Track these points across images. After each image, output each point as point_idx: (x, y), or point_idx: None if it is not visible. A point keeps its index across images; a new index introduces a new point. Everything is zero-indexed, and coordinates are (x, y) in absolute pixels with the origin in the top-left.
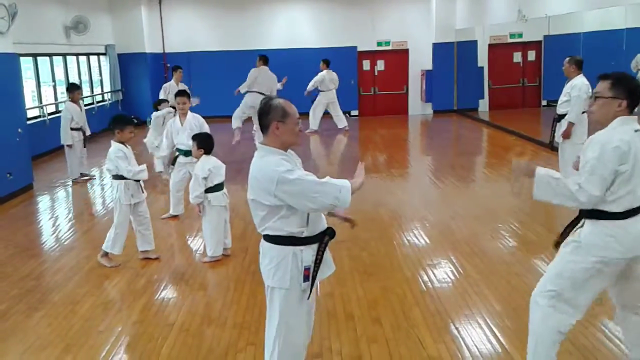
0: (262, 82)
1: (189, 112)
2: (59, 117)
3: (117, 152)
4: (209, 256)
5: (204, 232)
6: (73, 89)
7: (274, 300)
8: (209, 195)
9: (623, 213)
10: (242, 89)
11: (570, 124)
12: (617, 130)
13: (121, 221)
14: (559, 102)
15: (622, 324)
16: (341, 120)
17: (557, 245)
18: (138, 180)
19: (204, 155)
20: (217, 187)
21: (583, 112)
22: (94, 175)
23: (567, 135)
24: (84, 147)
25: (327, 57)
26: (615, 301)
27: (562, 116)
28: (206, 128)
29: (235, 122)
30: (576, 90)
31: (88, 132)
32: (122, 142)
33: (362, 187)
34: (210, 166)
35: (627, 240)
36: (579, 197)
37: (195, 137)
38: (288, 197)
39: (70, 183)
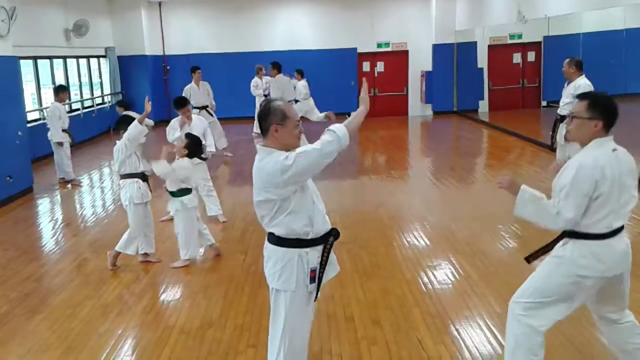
0: (285, 89)
1: (194, 116)
2: None
3: (121, 144)
4: (182, 260)
5: (179, 235)
6: (62, 90)
7: (279, 303)
8: (184, 198)
9: (605, 234)
10: None
11: None
12: (593, 153)
13: (137, 221)
14: (562, 103)
15: (605, 334)
16: (317, 116)
17: (529, 261)
18: (146, 180)
19: (186, 157)
20: (188, 190)
21: None
22: (81, 181)
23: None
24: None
25: (327, 59)
26: (594, 314)
27: (565, 117)
28: (208, 130)
29: None
30: (582, 90)
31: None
32: None
33: (366, 110)
34: (187, 173)
35: (609, 259)
36: (557, 221)
37: (187, 136)
38: (298, 177)
39: (59, 185)
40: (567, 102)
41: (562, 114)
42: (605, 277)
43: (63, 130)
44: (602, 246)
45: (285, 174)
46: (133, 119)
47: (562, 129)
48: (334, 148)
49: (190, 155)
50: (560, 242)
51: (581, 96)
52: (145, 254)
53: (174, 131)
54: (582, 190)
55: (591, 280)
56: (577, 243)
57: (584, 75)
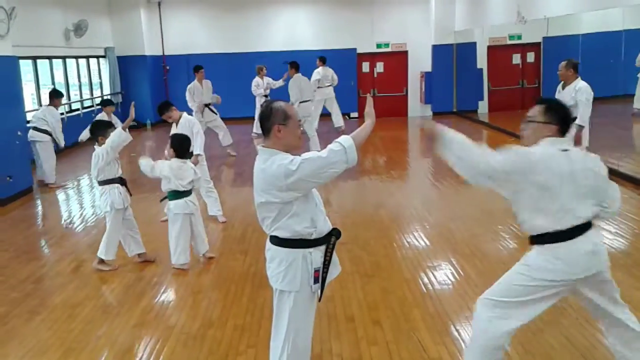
0: (304, 88)
1: (184, 116)
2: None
3: (101, 151)
4: (172, 263)
5: (169, 239)
6: (58, 96)
7: (282, 304)
8: (170, 202)
9: (566, 232)
10: (295, 103)
11: (581, 128)
12: (539, 147)
13: (116, 227)
14: None
15: (609, 338)
16: (339, 120)
17: None
18: (124, 184)
19: (174, 159)
20: (181, 194)
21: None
22: (64, 184)
23: (579, 140)
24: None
25: (327, 59)
26: (594, 317)
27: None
28: (196, 131)
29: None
30: (583, 93)
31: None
32: None
33: (373, 124)
34: (171, 174)
35: (573, 261)
36: (479, 162)
37: (172, 137)
38: (302, 183)
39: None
40: (570, 105)
41: None
42: (574, 279)
43: (48, 133)
44: (566, 248)
45: (289, 179)
46: (108, 123)
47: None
48: (340, 158)
49: (179, 155)
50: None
51: (538, 100)
52: (140, 255)
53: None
54: (513, 159)
55: (561, 284)
56: (541, 248)
57: (580, 78)
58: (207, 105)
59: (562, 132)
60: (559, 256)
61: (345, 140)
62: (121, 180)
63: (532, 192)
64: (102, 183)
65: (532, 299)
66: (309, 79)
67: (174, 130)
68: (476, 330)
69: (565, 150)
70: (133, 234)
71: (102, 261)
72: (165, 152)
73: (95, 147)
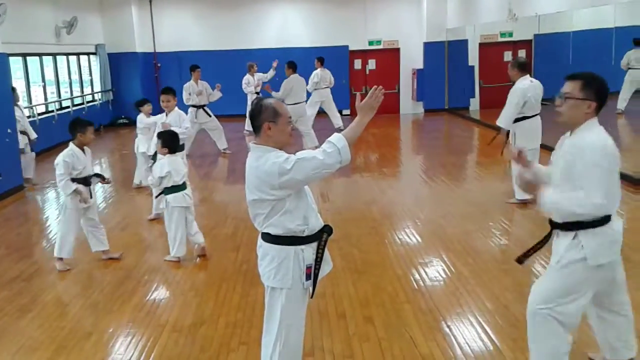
0: (298, 89)
1: (175, 109)
2: (49, 117)
3: (65, 157)
4: (171, 255)
5: (167, 232)
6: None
7: (274, 301)
8: (168, 196)
9: (609, 215)
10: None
11: (502, 130)
12: (599, 131)
13: (66, 225)
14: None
15: (599, 330)
16: (337, 120)
17: (520, 261)
18: (88, 185)
19: (168, 155)
20: (177, 188)
21: (528, 117)
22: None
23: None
24: (32, 150)
25: (319, 56)
26: (593, 302)
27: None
28: (185, 125)
29: None
30: (511, 94)
31: (33, 136)
32: (82, 146)
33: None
34: (171, 168)
35: (619, 239)
36: (586, 205)
37: (160, 135)
38: (294, 182)
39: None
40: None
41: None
42: (616, 258)
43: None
44: (613, 228)
45: (283, 177)
46: (88, 120)
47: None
48: (335, 160)
49: (172, 151)
50: (566, 243)
51: (572, 76)
52: (104, 252)
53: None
54: (608, 169)
55: (612, 266)
56: (595, 234)
57: (526, 76)
58: (202, 107)
59: (599, 108)
60: (613, 238)
61: (338, 140)
62: (85, 181)
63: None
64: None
65: (588, 290)
66: (304, 77)
67: (158, 116)
68: (541, 340)
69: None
70: (95, 232)
71: (60, 259)
72: (152, 149)
73: (70, 143)
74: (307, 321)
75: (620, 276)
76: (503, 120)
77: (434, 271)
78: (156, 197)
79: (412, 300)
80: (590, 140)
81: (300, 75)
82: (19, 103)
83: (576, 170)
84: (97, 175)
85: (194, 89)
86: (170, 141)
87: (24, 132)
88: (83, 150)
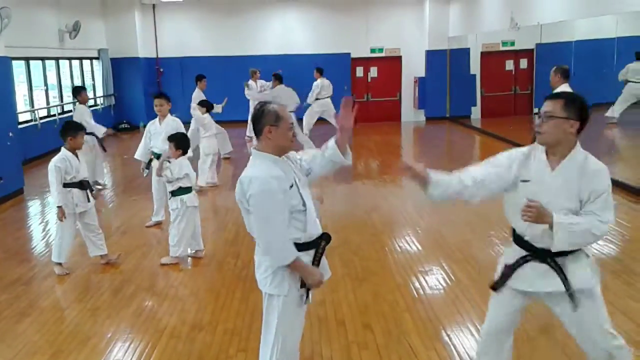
0: (286, 99)
1: (169, 115)
2: (51, 121)
3: (57, 162)
4: (170, 257)
5: (172, 232)
6: (79, 91)
7: (271, 308)
8: (184, 196)
9: None
10: None
11: None
12: (583, 152)
13: (63, 231)
14: None
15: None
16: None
17: (495, 288)
18: (85, 189)
19: (182, 156)
20: (189, 189)
21: None
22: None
23: None
24: (104, 150)
25: (321, 63)
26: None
27: None
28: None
29: None
30: None
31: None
32: (74, 150)
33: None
34: (189, 170)
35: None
36: (604, 229)
37: (172, 138)
38: (251, 212)
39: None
40: None
41: None
42: None
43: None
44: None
45: (249, 200)
46: (79, 124)
47: None
48: (272, 247)
49: (184, 152)
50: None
51: (554, 95)
52: (102, 256)
53: (153, 134)
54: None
55: None
56: (581, 256)
57: (567, 84)
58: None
59: (581, 128)
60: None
61: (288, 251)
62: (81, 185)
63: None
64: (64, 185)
65: None
66: (306, 84)
67: (149, 123)
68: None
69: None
70: (92, 237)
71: (58, 264)
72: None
73: (62, 148)
74: (306, 328)
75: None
76: None
77: (434, 279)
78: (171, 197)
79: (411, 308)
80: (595, 162)
81: (301, 82)
82: (84, 102)
83: (583, 195)
84: (96, 182)
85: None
86: (183, 143)
87: (90, 133)
88: (76, 154)
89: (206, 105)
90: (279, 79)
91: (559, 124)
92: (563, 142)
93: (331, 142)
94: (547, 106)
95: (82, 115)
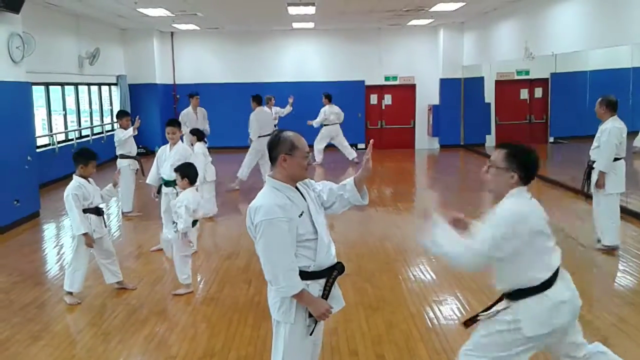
0: (264, 123)
1: (179, 143)
2: (69, 145)
3: (74, 189)
4: (184, 285)
5: (179, 263)
6: (122, 116)
7: (279, 334)
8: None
9: (548, 279)
10: (254, 137)
11: (602, 174)
12: (518, 200)
13: (78, 256)
14: (592, 147)
15: None
16: (349, 152)
17: (467, 325)
18: (101, 215)
19: (190, 187)
20: (196, 221)
21: (617, 159)
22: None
23: (599, 185)
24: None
25: (335, 91)
26: (554, 354)
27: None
28: (192, 160)
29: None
30: (605, 134)
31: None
32: (85, 177)
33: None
34: (199, 199)
35: (562, 309)
36: (467, 253)
37: (177, 169)
38: (257, 242)
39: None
40: (595, 147)
41: (592, 159)
42: (563, 326)
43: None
44: (552, 296)
45: (256, 229)
46: (92, 151)
47: (593, 176)
48: (275, 277)
49: (192, 182)
50: (503, 308)
51: (501, 145)
52: (118, 283)
53: (162, 160)
54: (501, 230)
55: (553, 333)
56: (531, 301)
57: (616, 116)
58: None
59: (527, 179)
60: (551, 306)
61: (294, 283)
62: (97, 211)
63: (532, 242)
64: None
65: (518, 355)
66: (320, 110)
67: (161, 148)
68: None
69: (531, 198)
70: (108, 264)
71: (69, 293)
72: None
73: (74, 176)
74: (319, 358)
75: (572, 330)
76: (604, 163)
77: (449, 309)
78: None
79: (425, 339)
80: (505, 207)
81: (316, 109)
82: (125, 127)
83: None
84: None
85: (192, 118)
86: (188, 171)
87: (126, 156)
88: (88, 179)
89: (197, 134)
90: (257, 101)
91: (500, 173)
92: (505, 191)
93: (350, 184)
94: (492, 155)
95: (120, 139)
